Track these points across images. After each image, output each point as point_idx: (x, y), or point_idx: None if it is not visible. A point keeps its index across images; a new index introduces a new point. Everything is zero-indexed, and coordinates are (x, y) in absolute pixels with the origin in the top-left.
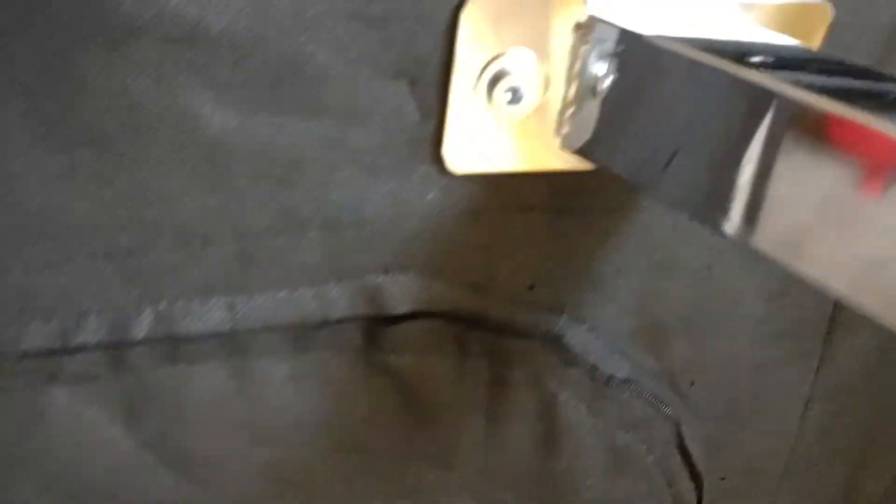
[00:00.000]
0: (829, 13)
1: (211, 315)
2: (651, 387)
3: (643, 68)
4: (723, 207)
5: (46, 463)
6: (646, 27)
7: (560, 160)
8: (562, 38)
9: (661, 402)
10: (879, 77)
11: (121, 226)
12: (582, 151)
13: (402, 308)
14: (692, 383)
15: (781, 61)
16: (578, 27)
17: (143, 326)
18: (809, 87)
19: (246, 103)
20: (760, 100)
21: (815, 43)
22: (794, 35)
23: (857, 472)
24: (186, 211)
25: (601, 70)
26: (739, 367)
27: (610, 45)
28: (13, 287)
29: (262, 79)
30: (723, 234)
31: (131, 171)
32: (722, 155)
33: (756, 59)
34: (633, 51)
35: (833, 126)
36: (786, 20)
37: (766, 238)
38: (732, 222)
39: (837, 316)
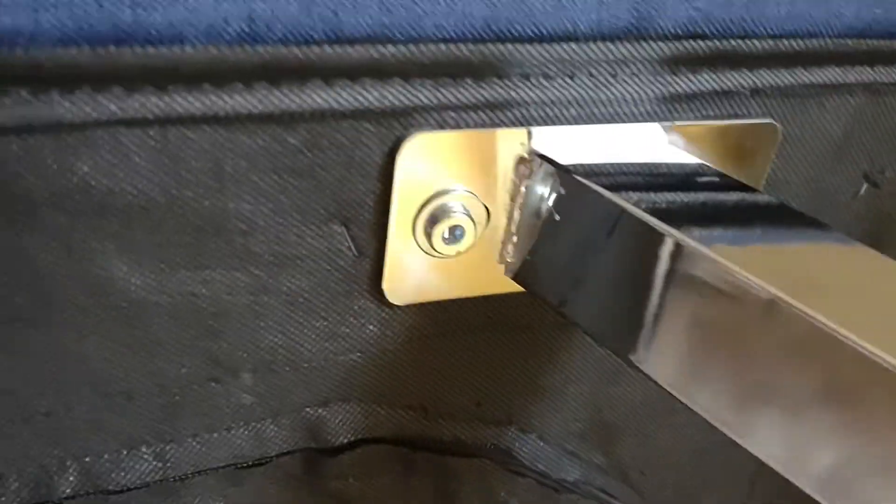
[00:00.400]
0: (777, 132)
1: (139, 467)
2: (600, 482)
3: (572, 203)
4: (623, 337)
5: None
6: (582, 157)
7: (502, 284)
8: (502, 174)
9: (610, 496)
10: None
11: (38, 390)
12: (519, 278)
13: (343, 438)
14: (642, 472)
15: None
16: (521, 161)
17: (68, 483)
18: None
19: (165, 262)
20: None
21: (767, 158)
22: (745, 152)
23: None
24: (106, 370)
25: (541, 203)
26: (686, 454)
27: (549, 180)
28: None
29: (181, 238)
30: (628, 363)
31: (46, 337)
32: (618, 286)
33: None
34: (566, 186)
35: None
36: (736, 139)
37: (660, 370)
38: (635, 353)
39: None
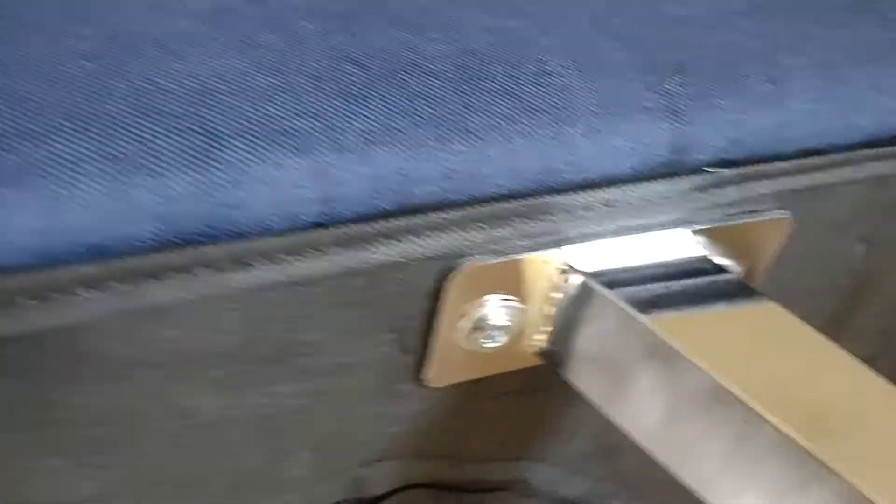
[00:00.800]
0: (790, 223)
1: None
2: (603, 491)
3: (588, 302)
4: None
5: None
6: (607, 265)
7: (530, 361)
8: (540, 283)
9: (609, 499)
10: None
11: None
12: (546, 359)
13: (382, 489)
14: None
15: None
16: (557, 272)
17: None
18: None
19: (238, 388)
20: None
21: (777, 243)
22: (759, 241)
23: None
24: (183, 470)
25: (571, 303)
26: None
27: (577, 287)
28: None
29: (254, 367)
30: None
31: (129, 453)
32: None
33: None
34: (586, 294)
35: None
36: (752, 231)
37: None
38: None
39: None
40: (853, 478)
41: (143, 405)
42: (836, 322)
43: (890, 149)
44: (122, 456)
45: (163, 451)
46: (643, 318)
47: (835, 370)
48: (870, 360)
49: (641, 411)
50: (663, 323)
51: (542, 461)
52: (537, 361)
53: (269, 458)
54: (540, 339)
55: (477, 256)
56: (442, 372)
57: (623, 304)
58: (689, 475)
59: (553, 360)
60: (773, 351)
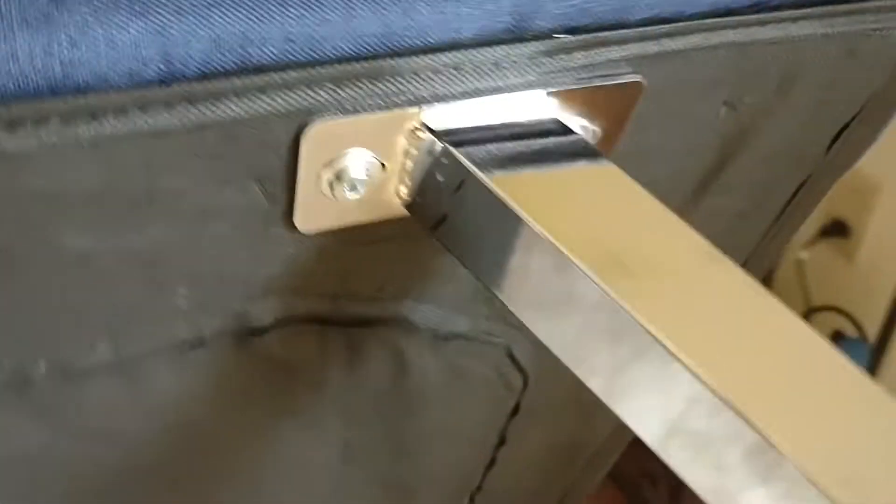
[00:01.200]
0: (642, 86)
1: (98, 357)
2: (486, 328)
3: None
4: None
5: None
6: (459, 124)
7: (397, 211)
8: (397, 140)
9: (493, 335)
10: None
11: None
12: (410, 209)
13: (265, 322)
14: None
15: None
16: (412, 130)
17: (39, 370)
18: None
19: (105, 228)
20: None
21: (631, 106)
22: (612, 104)
23: None
24: (61, 310)
25: (427, 160)
26: None
27: (430, 143)
28: None
29: (118, 210)
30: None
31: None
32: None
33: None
34: (436, 152)
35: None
36: (605, 96)
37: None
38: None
39: None
40: (653, 326)
41: (13, 243)
42: (707, 179)
43: (742, 17)
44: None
45: (41, 286)
46: (482, 177)
47: (657, 227)
48: (742, 215)
49: (492, 265)
50: (501, 180)
51: (422, 302)
52: (404, 213)
53: (148, 292)
54: (404, 192)
55: (328, 115)
56: (309, 218)
57: (466, 163)
58: (536, 324)
59: (417, 213)
60: (600, 208)
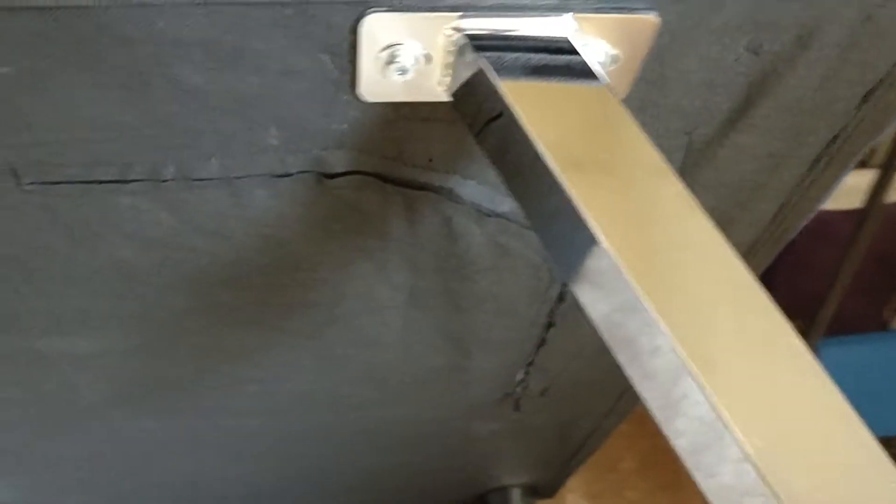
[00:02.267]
0: (657, 21)
1: (210, 170)
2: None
3: (466, 65)
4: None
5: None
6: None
7: (441, 96)
8: (437, 37)
9: None
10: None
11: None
12: (452, 97)
13: (337, 169)
14: None
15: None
16: (452, 30)
17: (170, 172)
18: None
19: (211, 72)
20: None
21: (648, 42)
22: (631, 36)
23: None
24: (184, 130)
25: (459, 58)
26: None
27: (465, 41)
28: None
29: (221, 59)
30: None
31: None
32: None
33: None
34: (465, 52)
35: None
36: (623, 26)
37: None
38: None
39: None
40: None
41: (150, 73)
42: (734, 117)
43: None
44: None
45: (170, 109)
46: (496, 80)
47: (622, 140)
48: (774, 157)
49: (497, 154)
50: (510, 85)
51: (468, 178)
52: (447, 99)
53: (246, 126)
54: (446, 81)
55: (383, 8)
56: (369, 90)
57: (486, 66)
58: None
59: (457, 102)
60: (580, 119)
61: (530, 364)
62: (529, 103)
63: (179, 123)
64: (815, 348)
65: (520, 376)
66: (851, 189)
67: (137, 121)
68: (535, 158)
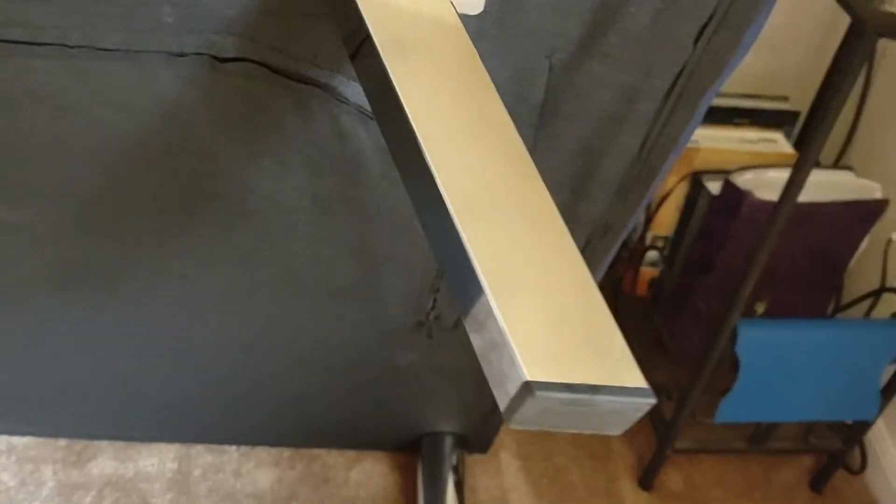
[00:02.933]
0: None
1: (114, 42)
2: None
3: None
4: None
5: None
6: None
7: None
8: None
9: None
10: None
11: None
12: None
13: (229, 54)
14: None
15: None
16: None
17: (76, 38)
18: None
19: None
20: None
21: None
22: None
23: None
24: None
25: None
26: None
27: None
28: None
29: None
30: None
31: None
32: None
33: None
34: None
35: None
36: None
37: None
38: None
39: None
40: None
41: None
42: (587, 43)
43: None
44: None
45: None
46: None
47: (444, 35)
48: (629, 88)
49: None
50: None
51: (352, 80)
52: None
53: (142, 3)
54: None
55: None
56: None
57: None
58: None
59: (331, 7)
60: (422, 22)
61: (437, 291)
62: (386, 30)
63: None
64: (734, 328)
65: (429, 304)
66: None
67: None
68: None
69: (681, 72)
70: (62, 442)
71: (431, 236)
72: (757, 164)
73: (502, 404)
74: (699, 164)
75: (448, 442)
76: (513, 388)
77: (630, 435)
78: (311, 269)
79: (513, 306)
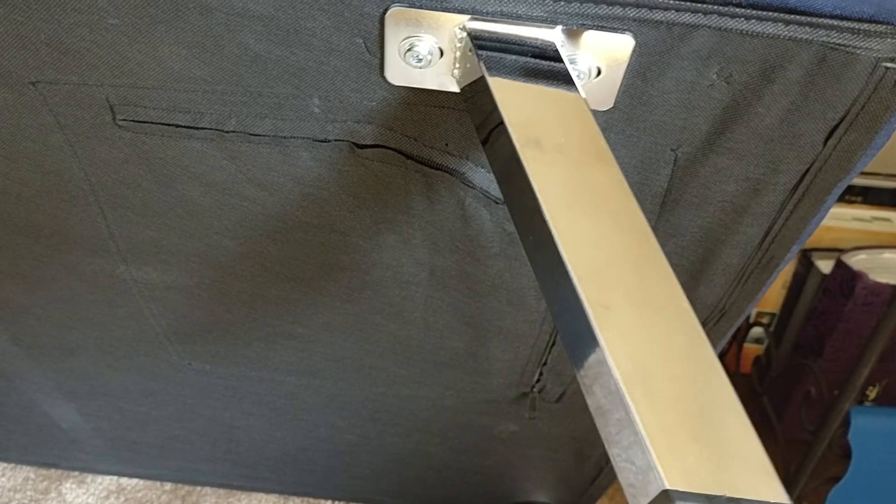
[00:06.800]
0: (632, 44)
1: (264, 128)
2: None
3: (469, 61)
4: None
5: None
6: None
7: (453, 87)
8: (449, 33)
9: None
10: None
11: (216, 96)
12: (462, 90)
13: (368, 141)
14: None
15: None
16: (462, 29)
17: (232, 124)
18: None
19: (270, 42)
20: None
21: (625, 59)
22: (612, 52)
23: None
24: (248, 94)
25: (469, 50)
26: None
27: (468, 43)
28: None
29: (279, 32)
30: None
31: (219, 74)
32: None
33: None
34: (468, 48)
35: None
36: (604, 43)
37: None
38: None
39: None
40: None
41: (220, 37)
42: (711, 139)
43: (720, 7)
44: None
45: (235, 68)
46: (486, 72)
47: (580, 136)
48: (752, 182)
49: (483, 134)
50: (498, 82)
51: (480, 166)
52: (458, 89)
53: (296, 93)
54: (457, 74)
55: (405, 4)
56: (394, 74)
57: (480, 62)
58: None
59: (466, 98)
60: (552, 114)
61: (544, 364)
62: (511, 97)
63: (242, 84)
64: (847, 414)
65: (535, 377)
66: None
67: (210, 77)
68: (507, 138)
69: (808, 169)
70: (168, 486)
71: (556, 313)
72: (870, 243)
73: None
74: (809, 241)
75: None
76: (650, 494)
77: None
78: (423, 338)
79: (649, 403)
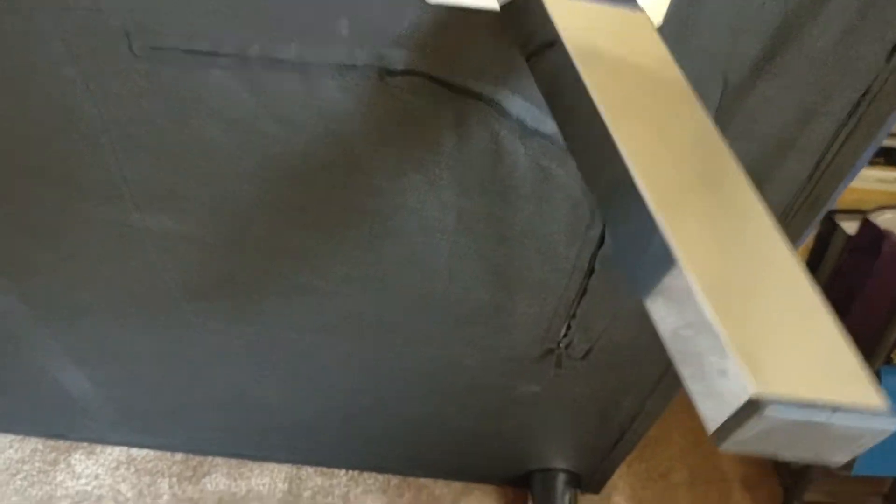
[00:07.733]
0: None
1: (289, 53)
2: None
3: None
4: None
5: None
6: None
7: (492, 6)
8: None
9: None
10: None
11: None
12: (503, 10)
13: (398, 67)
14: None
15: None
16: None
17: (255, 51)
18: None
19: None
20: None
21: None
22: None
23: None
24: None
25: None
26: None
27: None
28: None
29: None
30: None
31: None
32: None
33: None
34: None
35: None
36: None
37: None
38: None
39: None
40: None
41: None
42: (759, 64)
43: None
44: None
45: None
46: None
47: (653, 70)
48: (805, 110)
49: (542, 73)
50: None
51: (515, 93)
52: (496, 9)
53: (321, 17)
54: None
55: None
56: None
57: None
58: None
59: (505, 16)
60: (620, 44)
61: (572, 317)
62: (577, 32)
63: (265, 9)
64: (877, 374)
65: (563, 331)
66: None
67: (231, 1)
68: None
69: (863, 95)
70: (178, 456)
71: (615, 225)
72: (893, 203)
73: (713, 422)
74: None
75: (561, 479)
76: (733, 404)
77: (752, 484)
78: (446, 291)
79: (728, 307)
